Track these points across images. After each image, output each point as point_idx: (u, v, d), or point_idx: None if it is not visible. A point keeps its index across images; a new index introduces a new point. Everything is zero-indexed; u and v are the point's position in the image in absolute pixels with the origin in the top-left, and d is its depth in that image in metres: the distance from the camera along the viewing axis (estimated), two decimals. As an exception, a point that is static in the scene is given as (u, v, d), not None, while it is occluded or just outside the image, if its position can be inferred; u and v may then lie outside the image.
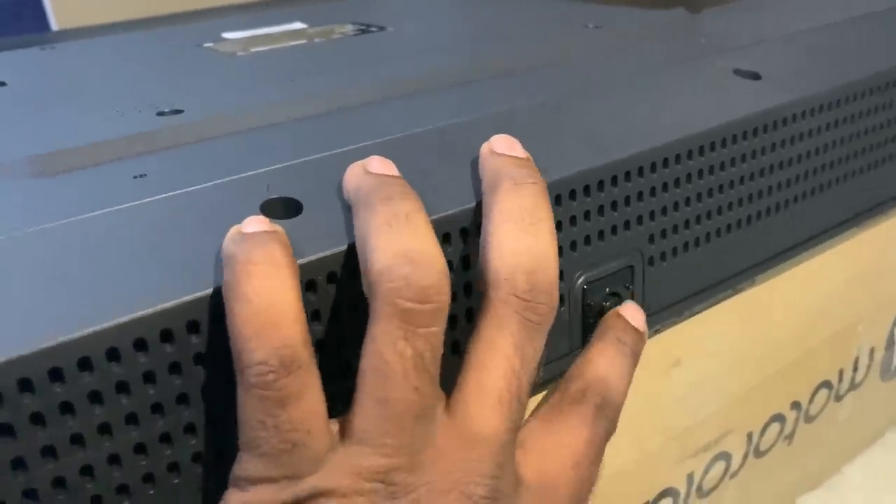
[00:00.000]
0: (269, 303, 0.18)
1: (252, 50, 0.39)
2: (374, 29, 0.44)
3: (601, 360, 0.24)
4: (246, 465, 0.19)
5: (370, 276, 0.19)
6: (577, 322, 0.27)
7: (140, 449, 0.19)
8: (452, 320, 0.23)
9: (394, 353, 0.19)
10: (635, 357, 0.25)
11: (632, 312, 0.26)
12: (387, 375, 0.19)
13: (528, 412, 0.22)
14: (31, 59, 0.42)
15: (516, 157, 0.23)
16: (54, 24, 0.86)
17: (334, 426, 0.20)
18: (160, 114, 0.28)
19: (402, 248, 0.19)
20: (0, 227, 0.20)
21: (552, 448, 0.22)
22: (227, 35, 0.43)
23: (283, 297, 0.18)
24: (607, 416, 0.23)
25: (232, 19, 0.50)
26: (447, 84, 0.32)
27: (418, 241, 0.20)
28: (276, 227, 0.20)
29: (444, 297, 0.19)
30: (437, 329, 0.19)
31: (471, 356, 0.21)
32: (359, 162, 0.23)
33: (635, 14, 0.43)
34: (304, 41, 0.41)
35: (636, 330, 0.26)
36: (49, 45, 0.44)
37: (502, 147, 0.24)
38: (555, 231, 0.22)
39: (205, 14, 0.65)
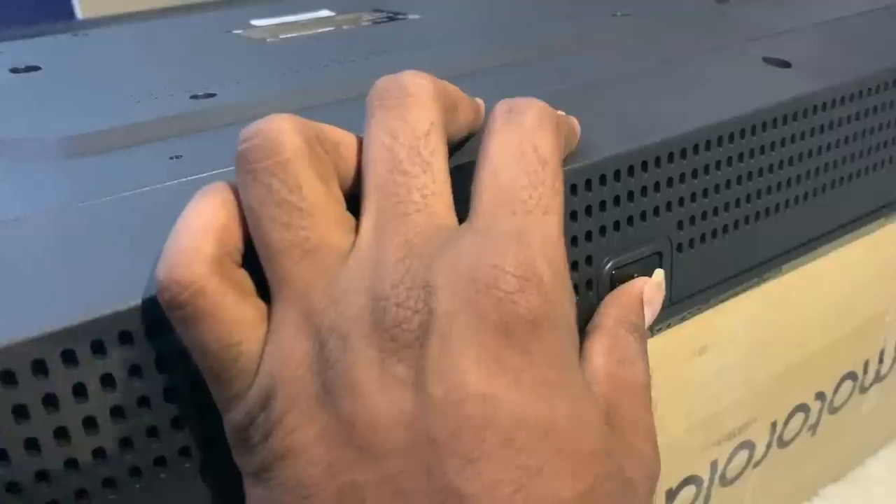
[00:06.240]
0: None
1: (282, 36, 0.40)
2: (401, 16, 0.44)
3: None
4: None
5: None
6: (604, 307, 0.27)
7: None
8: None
9: None
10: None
11: (651, 297, 0.26)
12: None
13: None
14: (64, 44, 0.42)
15: None
16: (79, 14, 0.87)
17: None
18: (193, 97, 0.29)
19: None
20: (36, 206, 0.20)
21: None
22: (256, 22, 0.44)
23: None
24: None
25: (258, 7, 0.50)
26: (476, 70, 0.32)
27: None
28: None
29: None
30: None
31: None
32: None
33: (663, 2, 0.43)
34: (332, 28, 0.42)
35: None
36: (82, 32, 0.44)
37: None
38: None
39: (227, 2, 0.66)
